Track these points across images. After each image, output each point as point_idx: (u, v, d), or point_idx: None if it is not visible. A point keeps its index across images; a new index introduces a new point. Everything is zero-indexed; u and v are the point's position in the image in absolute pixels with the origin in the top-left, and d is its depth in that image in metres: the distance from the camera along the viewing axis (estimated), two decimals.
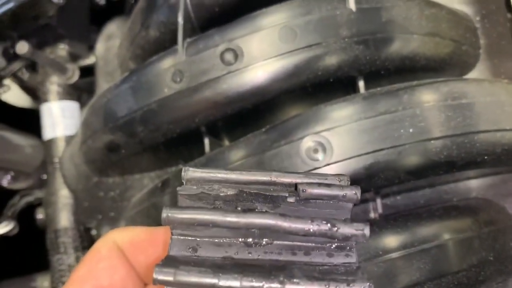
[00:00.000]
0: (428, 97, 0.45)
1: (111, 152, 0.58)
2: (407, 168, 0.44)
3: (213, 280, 0.22)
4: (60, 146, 0.83)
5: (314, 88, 0.50)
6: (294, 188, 0.25)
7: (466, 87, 0.47)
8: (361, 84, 0.51)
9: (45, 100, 0.86)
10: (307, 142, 0.44)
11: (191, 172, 0.25)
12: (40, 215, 0.94)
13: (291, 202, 0.24)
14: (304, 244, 0.24)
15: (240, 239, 0.24)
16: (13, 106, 0.96)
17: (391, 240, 0.45)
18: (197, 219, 0.24)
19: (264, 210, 0.24)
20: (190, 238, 0.24)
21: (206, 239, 0.24)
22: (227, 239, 0.24)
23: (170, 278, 0.22)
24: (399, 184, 0.48)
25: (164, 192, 0.52)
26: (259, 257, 0.24)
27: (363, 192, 0.48)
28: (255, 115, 0.53)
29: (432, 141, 0.44)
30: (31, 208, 0.95)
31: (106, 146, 0.58)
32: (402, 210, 0.54)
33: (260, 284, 0.22)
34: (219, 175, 0.25)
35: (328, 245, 0.24)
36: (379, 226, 0.47)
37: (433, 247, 0.45)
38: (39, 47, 0.85)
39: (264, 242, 0.24)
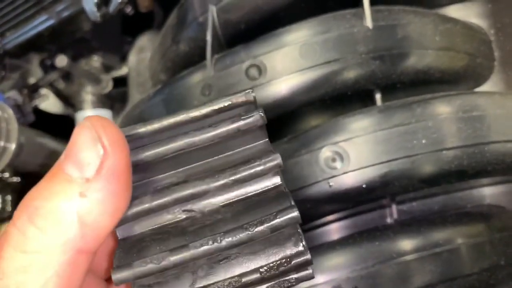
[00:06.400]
0: (440, 110, 0.48)
1: None
2: (420, 177, 0.47)
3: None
4: None
5: (332, 100, 0.53)
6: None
7: (477, 100, 0.49)
8: (377, 96, 0.53)
9: (80, 108, 0.91)
10: (326, 152, 0.47)
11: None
12: None
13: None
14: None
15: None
16: (49, 113, 1.01)
17: (405, 243, 0.48)
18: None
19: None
20: None
21: None
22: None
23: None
24: (414, 191, 0.51)
25: None
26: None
27: (379, 199, 0.52)
28: (278, 126, 0.56)
29: (444, 151, 0.46)
30: None
31: None
32: (417, 216, 0.57)
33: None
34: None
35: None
36: (394, 230, 0.50)
37: (445, 250, 0.47)
38: (74, 59, 0.91)
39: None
